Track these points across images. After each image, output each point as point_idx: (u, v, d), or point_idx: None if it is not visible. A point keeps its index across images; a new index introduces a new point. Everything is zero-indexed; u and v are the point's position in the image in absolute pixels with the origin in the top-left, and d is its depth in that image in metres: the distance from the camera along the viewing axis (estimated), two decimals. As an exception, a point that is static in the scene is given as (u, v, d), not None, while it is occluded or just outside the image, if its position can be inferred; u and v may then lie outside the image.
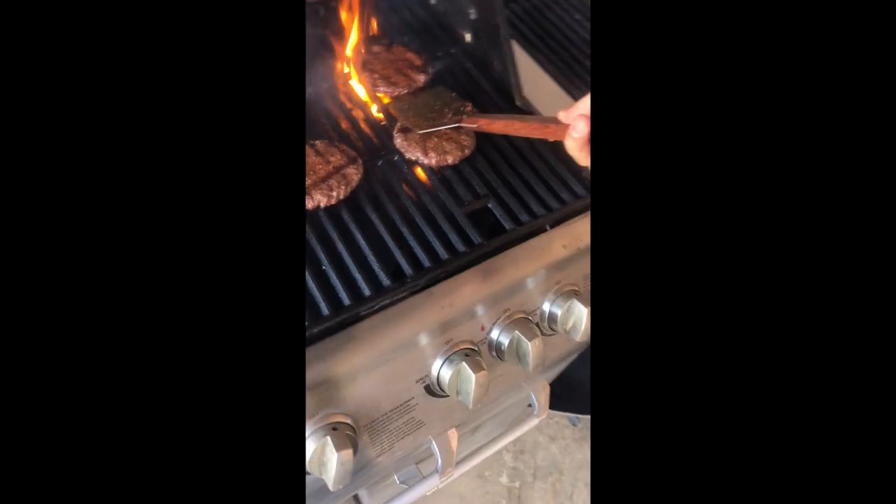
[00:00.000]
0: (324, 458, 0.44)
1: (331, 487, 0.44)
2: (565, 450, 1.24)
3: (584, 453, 1.24)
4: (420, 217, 0.53)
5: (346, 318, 0.46)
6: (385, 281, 0.49)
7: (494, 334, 0.53)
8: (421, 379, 0.50)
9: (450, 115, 0.57)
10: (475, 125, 0.55)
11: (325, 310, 0.46)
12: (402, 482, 0.68)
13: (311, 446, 0.44)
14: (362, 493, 0.72)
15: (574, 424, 1.27)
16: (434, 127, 0.57)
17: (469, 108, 0.60)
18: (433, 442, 0.59)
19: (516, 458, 1.22)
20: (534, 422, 0.76)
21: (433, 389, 0.51)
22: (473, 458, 0.72)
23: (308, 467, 0.45)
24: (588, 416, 1.25)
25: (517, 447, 1.24)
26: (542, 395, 0.76)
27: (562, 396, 1.17)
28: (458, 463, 0.72)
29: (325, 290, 0.47)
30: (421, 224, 0.53)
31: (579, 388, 1.06)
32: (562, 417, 1.28)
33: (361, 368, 0.46)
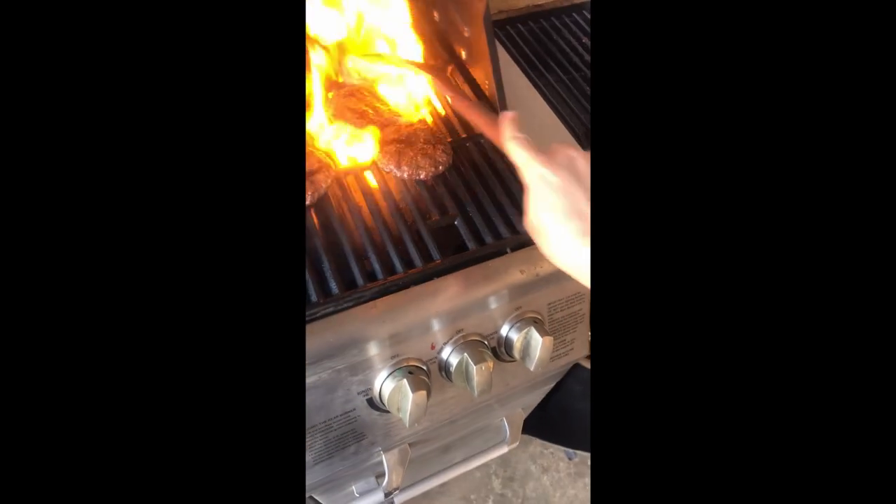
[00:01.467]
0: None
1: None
2: (557, 483, 1.19)
3: (576, 489, 1.18)
4: (383, 228, 0.53)
5: (287, 322, 0.46)
6: (334, 289, 0.49)
7: (445, 354, 0.52)
8: (363, 391, 0.50)
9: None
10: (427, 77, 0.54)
11: (270, 311, 0.47)
12: (358, 493, 0.68)
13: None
14: (320, 498, 0.72)
15: (570, 458, 1.22)
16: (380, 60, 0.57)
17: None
18: (383, 456, 0.58)
19: (505, 486, 1.19)
20: (503, 449, 0.73)
21: (375, 403, 0.51)
22: (432, 479, 0.71)
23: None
24: (584, 453, 1.20)
25: (507, 474, 1.20)
26: (514, 423, 0.74)
27: (560, 429, 1.13)
28: (417, 483, 0.71)
29: (274, 291, 0.48)
30: (383, 235, 0.53)
31: (579, 422, 1.02)
32: (558, 449, 1.23)
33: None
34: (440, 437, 0.68)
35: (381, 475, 0.65)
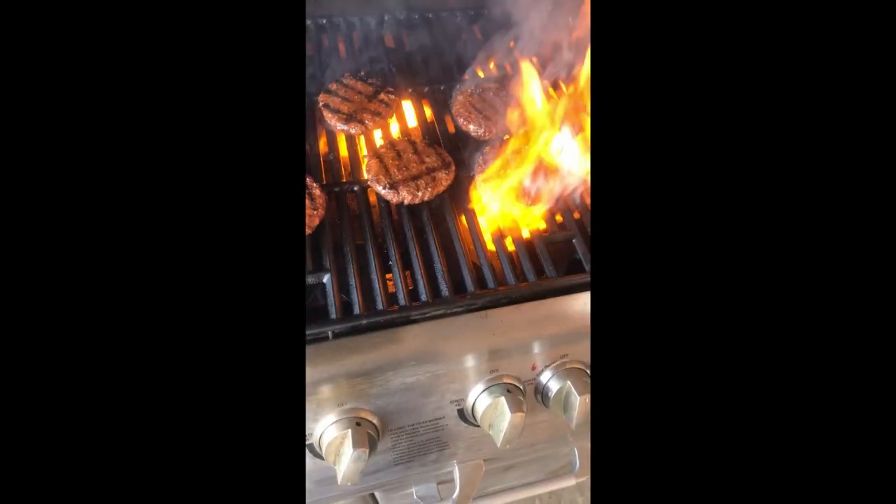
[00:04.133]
0: (341, 449, 0.44)
1: (339, 481, 0.43)
2: (603, 521, 1.14)
3: (623, 532, 1.12)
4: (497, 238, 0.51)
5: (396, 318, 0.45)
6: (444, 291, 0.47)
7: (544, 377, 0.49)
8: (456, 401, 0.48)
9: None
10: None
11: (379, 304, 0.46)
12: (418, 497, 0.66)
13: (332, 433, 0.44)
14: (378, 494, 0.71)
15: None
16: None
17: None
18: (456, 468, 0.56)
19: (548, 512, 1.15)
20: (571, 481, 0.70)
21: (466, 415, 0.49)
22: (496, 497, 0.68)
23: (324, 453, 0.44)
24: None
25: (553, 500, 1.16)
26: (585, 456, 0.70)
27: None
28: (478, 498, 0.69)
29: (385, 285, 0.47)
30: (496, 243, 0.51)
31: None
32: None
33: (399, 372, 0.45)
34: (512, 457, 0.65)
35: (443, 482, 0.63)
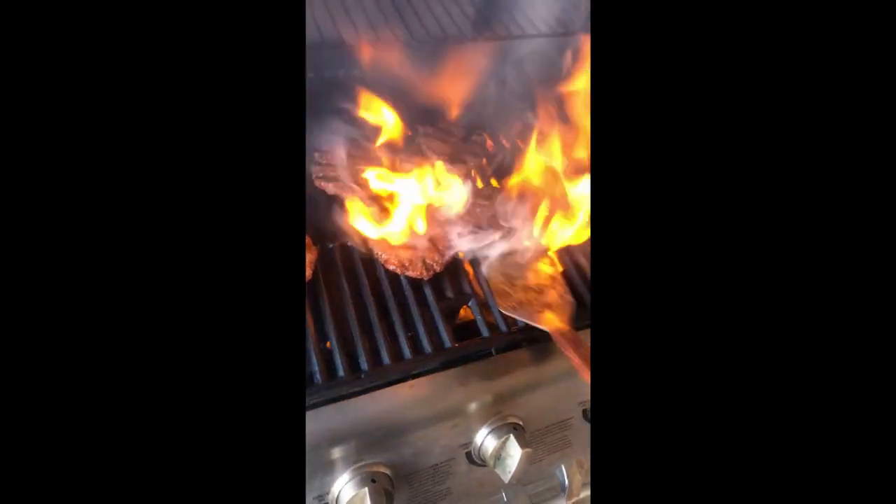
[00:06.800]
0: (502, 452, 0.49)
1: (506, 481, 0.49)
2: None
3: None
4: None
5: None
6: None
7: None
8: (582, 402, 0.55)
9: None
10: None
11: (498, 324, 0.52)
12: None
13: (492, 440, 0.49)
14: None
15: None
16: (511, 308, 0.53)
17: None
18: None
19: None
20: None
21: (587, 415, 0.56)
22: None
23: (487, 459, 0.50)
24: None
25: None
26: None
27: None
28: None
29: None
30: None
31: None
32: None
33: (542, 383, 0.51)
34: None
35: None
